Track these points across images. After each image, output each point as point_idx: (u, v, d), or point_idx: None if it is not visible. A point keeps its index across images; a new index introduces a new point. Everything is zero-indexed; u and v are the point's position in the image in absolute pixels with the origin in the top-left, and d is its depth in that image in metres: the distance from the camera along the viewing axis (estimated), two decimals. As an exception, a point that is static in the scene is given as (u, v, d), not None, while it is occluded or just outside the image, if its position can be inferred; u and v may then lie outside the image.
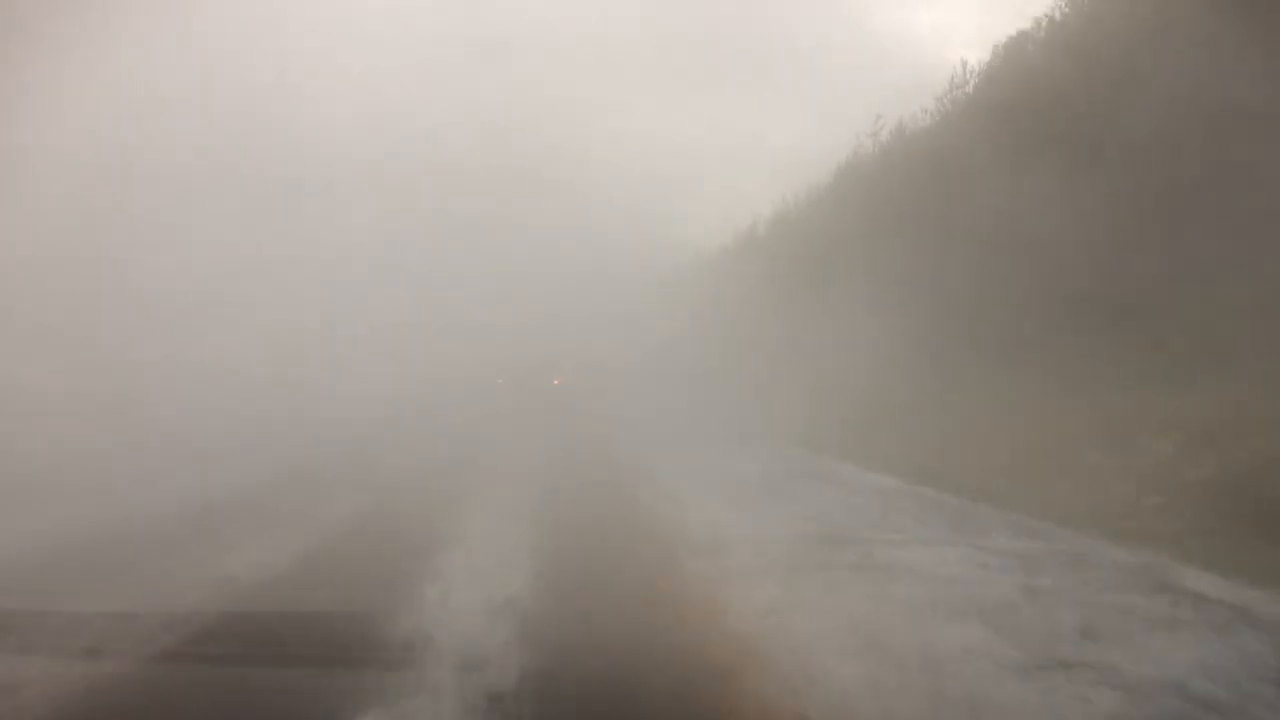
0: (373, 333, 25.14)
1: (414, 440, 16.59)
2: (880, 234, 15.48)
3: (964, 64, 15.48)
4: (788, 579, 5.62)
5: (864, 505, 8.24)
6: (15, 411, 13.14)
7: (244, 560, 6.27)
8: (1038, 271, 11.34)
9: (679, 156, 34.07)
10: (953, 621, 4.61)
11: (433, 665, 3.96)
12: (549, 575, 5.88)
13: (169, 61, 22.59)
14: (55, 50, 19.45)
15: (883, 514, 7.76)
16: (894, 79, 19.80)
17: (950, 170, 13.41)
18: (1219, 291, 8.66)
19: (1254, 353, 7.77)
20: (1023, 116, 11.77)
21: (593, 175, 30.39)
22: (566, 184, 30.49)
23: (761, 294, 21.41)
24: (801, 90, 29.99)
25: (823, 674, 3.94)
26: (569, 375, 27.84)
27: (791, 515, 7.82)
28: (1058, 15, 13.14)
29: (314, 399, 19.21)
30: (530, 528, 7.54)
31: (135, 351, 18.02)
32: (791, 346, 18.44)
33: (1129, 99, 9.69)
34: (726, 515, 7.87)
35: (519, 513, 8.22)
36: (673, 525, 7.54)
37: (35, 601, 5.18)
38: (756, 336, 21.20)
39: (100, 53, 20.53)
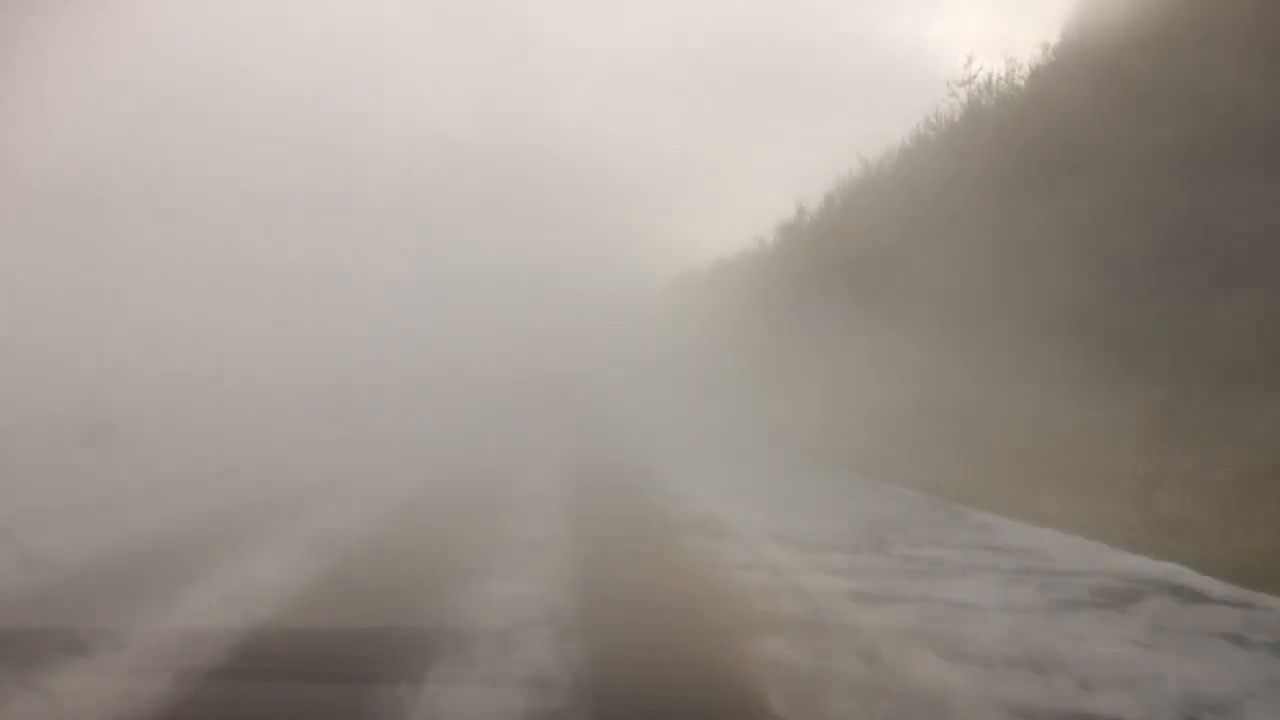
0: (379, 341, 24.25)
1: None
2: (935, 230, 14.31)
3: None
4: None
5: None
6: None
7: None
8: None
9: (699, 166, 33.67)
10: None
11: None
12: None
13: (166, 69, 22.14)
14: (59, 55, 18.83)
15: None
16: (907, 89, 19.07)
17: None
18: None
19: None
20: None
21: (607, 185, 29.92)
22: (579, 192, 30.02)
23: (791, 298, 20.47)
24: (818, 98, 29.44)
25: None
26: (582, 391, 26.09)
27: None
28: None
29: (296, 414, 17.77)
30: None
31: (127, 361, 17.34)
32: (816, 351, 17.84)
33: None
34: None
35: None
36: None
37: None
38: (776, 342, 20.62)
39: (112, 59, 20.32)
